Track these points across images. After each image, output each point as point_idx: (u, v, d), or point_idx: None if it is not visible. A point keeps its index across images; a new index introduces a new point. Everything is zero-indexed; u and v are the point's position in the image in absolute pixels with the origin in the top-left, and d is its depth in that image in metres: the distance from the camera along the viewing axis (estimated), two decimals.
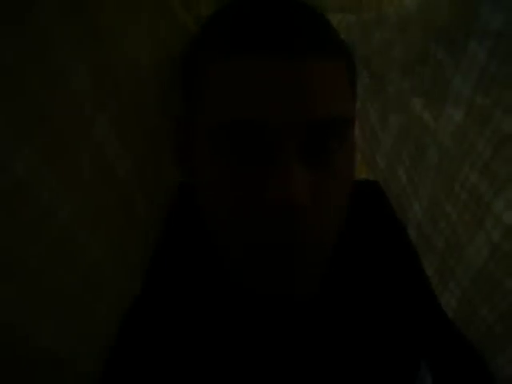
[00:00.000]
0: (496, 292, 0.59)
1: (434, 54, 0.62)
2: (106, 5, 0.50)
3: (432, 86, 0.63)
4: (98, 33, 0.49)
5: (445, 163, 0.62)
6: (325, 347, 0.56)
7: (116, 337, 0.54)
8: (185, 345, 0.54)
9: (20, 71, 0.37)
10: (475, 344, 0.62)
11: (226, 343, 0.54)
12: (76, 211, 0.46)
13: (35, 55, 0.39)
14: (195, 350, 0.53)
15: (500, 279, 0.58)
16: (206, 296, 0.55)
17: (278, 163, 0.42)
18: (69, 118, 0.44)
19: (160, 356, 0.53)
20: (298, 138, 0.42)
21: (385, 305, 0.60)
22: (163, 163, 0.66)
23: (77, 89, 0.45)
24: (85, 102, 0.47)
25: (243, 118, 0.42)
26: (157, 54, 0.62)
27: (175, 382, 0.52)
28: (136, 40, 0.57)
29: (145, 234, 0.61)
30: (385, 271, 0.62)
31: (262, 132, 0.42)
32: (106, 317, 0.53)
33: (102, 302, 0.51)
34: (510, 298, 0.56)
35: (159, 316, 0.55)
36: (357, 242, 0.63)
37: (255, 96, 0.42)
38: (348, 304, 0.58)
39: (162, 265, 0.58)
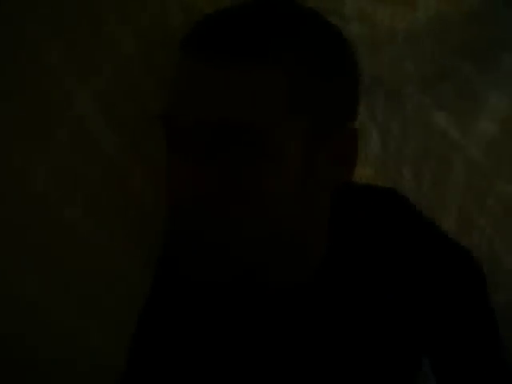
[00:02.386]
0: None
1: (458, 69, 0.62)
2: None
3: (458, 101, 0.63)
4: (74, 14, 0.50)
5: (476, 177, 0.62)
6: (322, 338, 0.57)
7: (132, 337, 0.57)
8: (198, 341, 0.57)
9: None
10: None
11: (226, 337, 0.57)
12: (53, 179, 0.47)
13: (10, 29, 0.40)
14: (207, 344, 0.57)
15: None
16: (211, 293, 0.58)
17: (183, 157, 0.46)
18: (45, 92, 0.45)
19: (174, 351, 0.57)
20: (205, 137, 0.45)
21: (383, 300, 0.60)
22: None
23: (53, 64, 0.46)
24: (62, 77, 0.48)
25: (167, 111, 0.47)
26: (146, 42, 0.63)
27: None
28: (119, 27, 0.58)
29: (143, 210, 0.63)
30: (412, 265, 0.61)
31: (176, 126, 0.46)
32: (117, 314, 0.56)
33: (99, 280, 0.54)
34: None
35: (171, 317, 0.58)
36: (370, 240, 0.61)
37: (177, 94, 0.46)
38: (347, 297, 0.59)
39: (168, 264, 0.61)
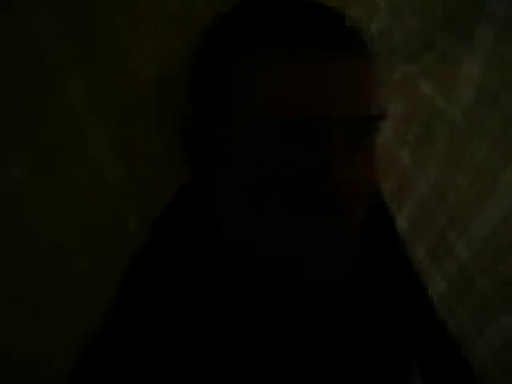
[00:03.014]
0: (501, 261, 0.64)
1: (440, 40, 0.68)
2: (105, 17, 0.49)
3: (441, 70, 0.69)
4: (95, 45, 0.48)
5: (455, 138, 0.69)
6: (313, 338, 0.56)
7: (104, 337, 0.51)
8: (183, 343, 0.52)
9: (14, 85, 0.38)
10: (467, 320, 0.66)
11: (228, 340, 0.53)
12: (65, 224, 0.46)
13: (27, 67, 0.39)
14: (196, 346, 0.52)
15: (508, 246, 0.64)
16: (204, 295, 0.53)
17: (331, 155, 0.43)
18: (63, 130, 0.44)
19: (156, 351, 0.51)
20: (347, 135, 0.43)
21: (373, 299, 0.60)
22: (161, 176, 0.65)
23: (71, 102, 0.45)
24: (81, 116, 0.47)
25: (298, 114, 0.42)
26: (155, 65, 0.60)
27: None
28: (137, 51, 0.56)
29: (134, 248, 0.58)
30: (373, 265, 0.62)
31: (312, 129, 0.42)
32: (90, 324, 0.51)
33: (87, 315, 0.50)
34: None
35: (154, 315, 0.52)
36: None
37: (303, 93, 0.42)
38: (338, 296, 0.57)
39: (149, 263, 0.55)
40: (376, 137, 0.47)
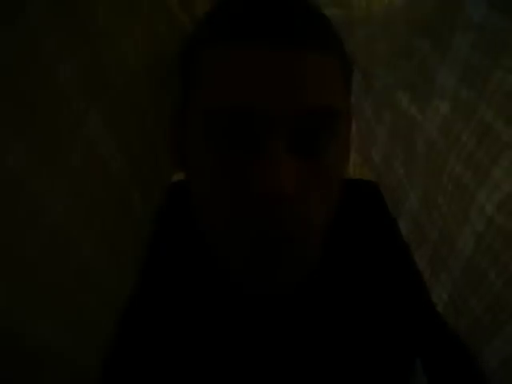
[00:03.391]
0: (482, 283, 0.59)
1: (418, 48, 0.63)
2: (99, 4, 0.50)
3: (417, 80, 0.64)
4: (89, 33, 0.49)
5: (433, 155, 0.63)
6: (315, 341, 0.57)
7: (114, 336, 0.54)
8: (181, 342, 0.54)
9: (11, 70, 0.38)
10: (464, 337, 0.62)
11: (219, 337, 0.55)
12: (68, 208, 0.46)
13: (26, 54, 0.40)
14: (192, 346, 0.54)
15: (485, 270, 0.58)
16: (199, 294, 0.56)
17: (266, 152, 0.42)
18: (59, 115, 0.44)
19: (157, 351, 0.54)
20: (287, 127, 0.42)
21: (375, 298, 0.61)
22: (159, 162, 0.67)
23: (67, 87, 0.45)
24: (75, 101, 0.47)
25: (235, 103, 0.42)
26: (150, 53, 0.63)
27: (171, 377, 0.53)
28: (129, 39, 0.58)
29: (139, 232, 0.61)
30: (376, 266, 0.63)
31: (251, 119, 0.42)
32: (99, 314, 0.53)
33: (95, 300, 0.52)
34: (495, 290, 0.57)
35: (155, 314, 0.56)
36: (349, 237, 0.63)
37: (247, 83, 0.42)
38: (339, 297, 0.59)
39: (156, 264, 0.58)
40: (331, 140, 0.45)
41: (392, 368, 0.59)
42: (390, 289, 0.62)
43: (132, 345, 0.54)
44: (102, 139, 0.52)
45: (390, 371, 0.59)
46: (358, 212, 0.65)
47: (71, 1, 0.46)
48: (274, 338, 0.55)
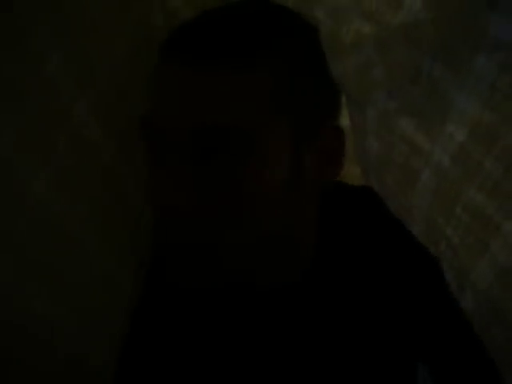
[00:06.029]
0: (503, 320, 0.55)
1: (429, 72, 0.59)
2: None
3: (426, 106, 0.59)
4: (73, 20, 0.50)
5: (443, 186, 0.58)
6: (312, 339, 0.59)
7: (125, 337, 0.57)
8: (189, 343, 0.58)
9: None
10: None
11: (220, 338, 0.58)
12: (58, 196, 0.48)
13: (11, 42, 0.40)
14: (198, 347, 0.58)
15: (507, 305, 0.54)
16: (204, 295, 0.58)
17: (163, 165, 0.46)
18: (45, 103, 0.46)
19: (166, 352, 0.57)
20: (182, 141, 0.45)
21: (378, 299, 0.62)
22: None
23: (52, 76, 0.46)
24: (61, 89, 0.48)
25: (147, 117, 0.46)
26: (134, 41, 0.64)
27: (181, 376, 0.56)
28: (111, 27, 0.58)
29: (136, 219, 0.64)
30: (383, 265, 0.64)
31: (158, 132, 0.46)
32: (104, 306, 0.56)
33: (84, 282, 0.53)
34: None
35: (163, 315, 0.59)
36: (351, 240, 0.64)
37: (158, 98, 0.46)
38: (340, 297, 0.60)
39: (161, 263, 0.59)
40: (238, 157, 0.46)
41: (393, 367, 0.62)
42: (404, 289, 0.63)
43: (143, 347, 0.58)
44: (88, 126, 0.53)
45: (390, 371, 0.61)
46: (359, 215, 0.63)
47: None
48: (274, 337, 0.57)
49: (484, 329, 0.55)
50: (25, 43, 0.42)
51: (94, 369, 0.53)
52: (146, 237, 0.64)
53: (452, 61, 0.56)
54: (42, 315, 0.46)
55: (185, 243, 0.48)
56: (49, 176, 0.46)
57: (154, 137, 0.47)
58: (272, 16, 0.53)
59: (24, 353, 0.43)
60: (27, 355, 0.43)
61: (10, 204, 0.41)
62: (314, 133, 0.51)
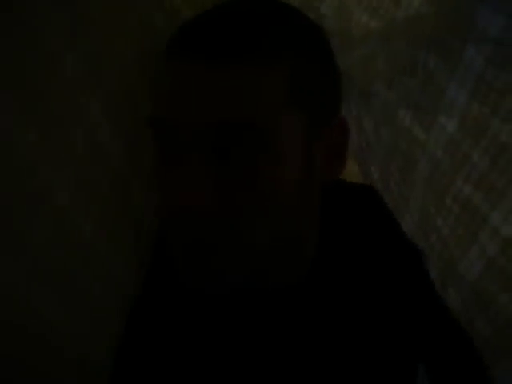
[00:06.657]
0: (490, 307, 0.55)
1: (424, 64, 0.59)
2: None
3: (422, 97, 0.60)
4: (85, 21, 0.50)
5: (436, 176, 0.59)
6: (315, 338, 0.57)
7: (123, 335, 0.57)
8: (188, 343, 0.56)
9: (18, 60, 0.38)
10: None
11: (222, 339, 0.56)
12: (72, 195, 0.47)
13: (31, 44, 0.40)
14: (198, 346, 0.56)
15: (494, 294, 0.54)
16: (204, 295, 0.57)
17: (184, 165, 0.44)
18: (65, 104, 0.45)
19: (166, 353, 0.56)
20: (206, 141, 0.43)
21: (378, 299, 0.61)
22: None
23: (70, 76, 0.46)
24: (77, 89, 0.48)
25: (161, 116, 0.44)
26: (139, 42, 0.63)
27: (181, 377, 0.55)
28: (118, 28, 0.58)
29: (140, 220, 0.63)
30: (381, 266, 0.63)
31: (174, 131, 0.44)
32: (105, 302, 0.56)
33: (96, 282, 0.53)
34: (506, 313, 0.53)
35: (161, 314, 0.57)
36: (351, 239, 0.63)
37: (172, 95, 0.44)
38: (342, 298, 0.59)
39: (161, 264, 0.59)
40: (259, 154, 0.45)
41: (393, 366, 0.60)
42: (397, 288, 0.62)
43: (139, 347, 0.56)
44: (102, 127, 0.53)
45: (391, 370, 0.60)
46: (359, 214, 0.64)
47: None
48: (278, 338, 0.56)
49: (469, 323, 0.56)
50: (42, 43, 0.41)
51: (94, 369, 0.52)
52: (147, 237, 0.64)
53: (444, 52, 0.57)
54: (50, 319, 0.45)
55: (200, 244, 0.46)
56: (67, 177, 0.46)
57: (167, 136, 0.45)
58: (280, 12, 0.52)
59: (27, 353, 0.42)
60: (30, 356, 0.43)
61: (29, 207, 0.40)
62: (324, 126, 0.51)
